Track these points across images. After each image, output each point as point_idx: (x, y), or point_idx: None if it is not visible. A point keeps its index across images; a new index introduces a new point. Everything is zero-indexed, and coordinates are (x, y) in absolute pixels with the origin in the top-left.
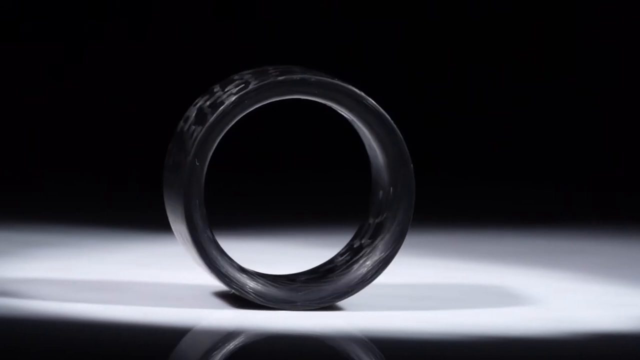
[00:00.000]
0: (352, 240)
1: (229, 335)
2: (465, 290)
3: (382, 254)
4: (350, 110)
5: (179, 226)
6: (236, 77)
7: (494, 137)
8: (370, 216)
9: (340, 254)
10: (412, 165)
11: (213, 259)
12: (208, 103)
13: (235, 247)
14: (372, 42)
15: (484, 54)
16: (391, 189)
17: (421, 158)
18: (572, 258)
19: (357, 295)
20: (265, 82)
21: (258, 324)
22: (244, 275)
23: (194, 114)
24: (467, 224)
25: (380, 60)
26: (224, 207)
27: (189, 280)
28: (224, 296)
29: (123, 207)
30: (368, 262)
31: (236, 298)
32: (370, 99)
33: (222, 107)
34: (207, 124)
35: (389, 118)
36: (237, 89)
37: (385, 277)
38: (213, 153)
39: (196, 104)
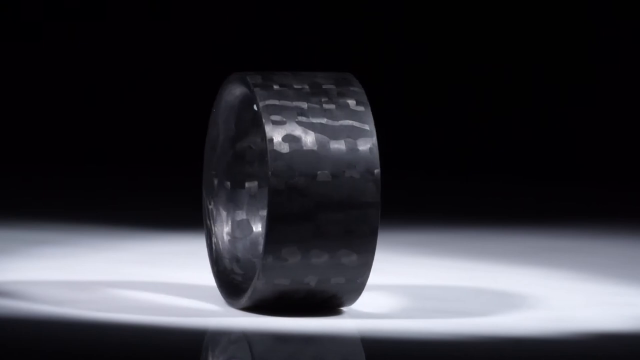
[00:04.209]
0: None
1: (230, 336)
2: (463, 290)
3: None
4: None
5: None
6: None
7: (494, 135)
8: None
9: None
10: None
11: None
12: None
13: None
14: (367, 39)
15: (482, 54)
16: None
17: (421, 157)
18: (573, 257)
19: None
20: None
21: (263, 326)
22: None
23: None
24: (467, 223)
25: (380, 58)
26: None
27: (191, 280)
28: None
29: (124, 205)
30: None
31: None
32: None
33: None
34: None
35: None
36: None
37: (384, 277)
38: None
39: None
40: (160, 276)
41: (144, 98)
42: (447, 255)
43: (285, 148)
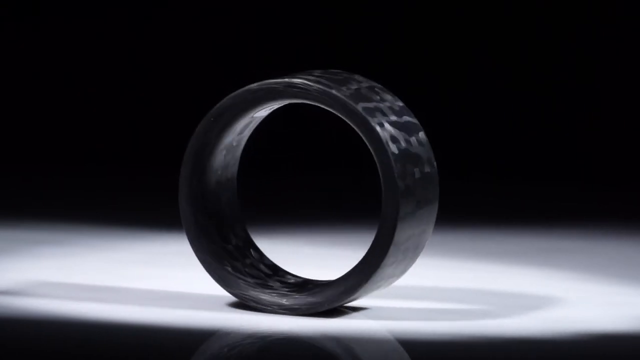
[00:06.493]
0: None
1: (250, 337)
2: (464, 291)
3: None
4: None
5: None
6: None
7: (495, 135)
8: None
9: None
10: None
11: None
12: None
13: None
14: (372, 39)
15: (482, 54)
16: None
17: None
18: (573, 257)
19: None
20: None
21: (271, 326)
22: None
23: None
24: (467, 223)
25: (379, 58)
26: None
27: (191, 280)
28: (226, 296)
29: (124, 205)
30: None
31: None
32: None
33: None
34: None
35: None
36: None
37: None
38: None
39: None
40: (160, 276)
41: (144, 98)
42: (447, 255)
43: (394, 149)
